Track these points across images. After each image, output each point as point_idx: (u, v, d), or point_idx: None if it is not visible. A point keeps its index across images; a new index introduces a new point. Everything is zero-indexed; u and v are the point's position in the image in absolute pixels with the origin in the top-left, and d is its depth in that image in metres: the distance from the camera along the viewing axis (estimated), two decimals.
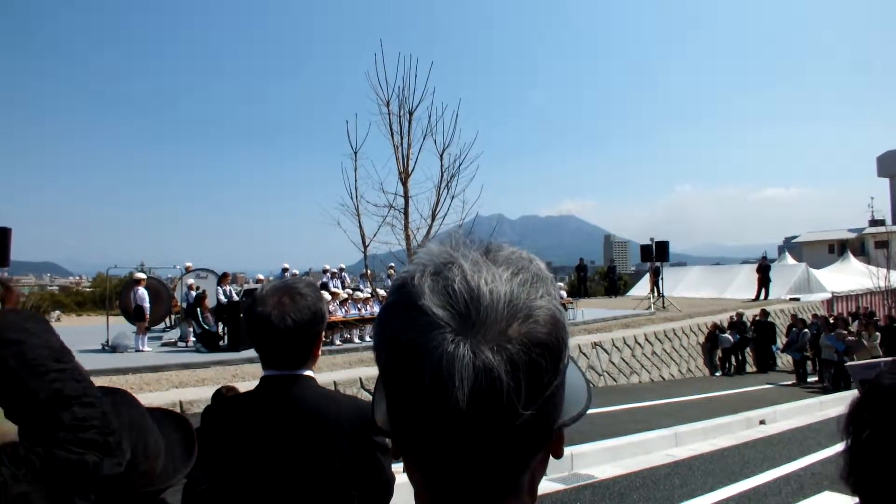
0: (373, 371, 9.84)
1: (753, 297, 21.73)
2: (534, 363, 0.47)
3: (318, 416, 1.38)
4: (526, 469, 0.52)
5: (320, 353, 1.53)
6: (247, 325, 1.44)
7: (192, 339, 12.06)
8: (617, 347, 13.26)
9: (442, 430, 0.47)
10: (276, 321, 1.37)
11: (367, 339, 12.56)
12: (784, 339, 16.65)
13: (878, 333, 13.57)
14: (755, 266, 22.64)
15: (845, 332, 14.04)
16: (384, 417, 0.55)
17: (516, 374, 0.46)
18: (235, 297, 12.90)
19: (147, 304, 11.65)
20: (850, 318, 17.75)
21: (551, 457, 0.56)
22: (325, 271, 15.82)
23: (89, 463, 0.80)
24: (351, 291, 13.79)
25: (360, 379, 8.99)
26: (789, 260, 30.64)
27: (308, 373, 1.46)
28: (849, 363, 9.44)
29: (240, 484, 1.40)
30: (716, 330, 15.89)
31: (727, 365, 15.95)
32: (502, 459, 0.49)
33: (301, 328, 1.39)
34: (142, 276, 12.82)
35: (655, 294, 20.56)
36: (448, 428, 0.47)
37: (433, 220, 9.75)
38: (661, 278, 20.84)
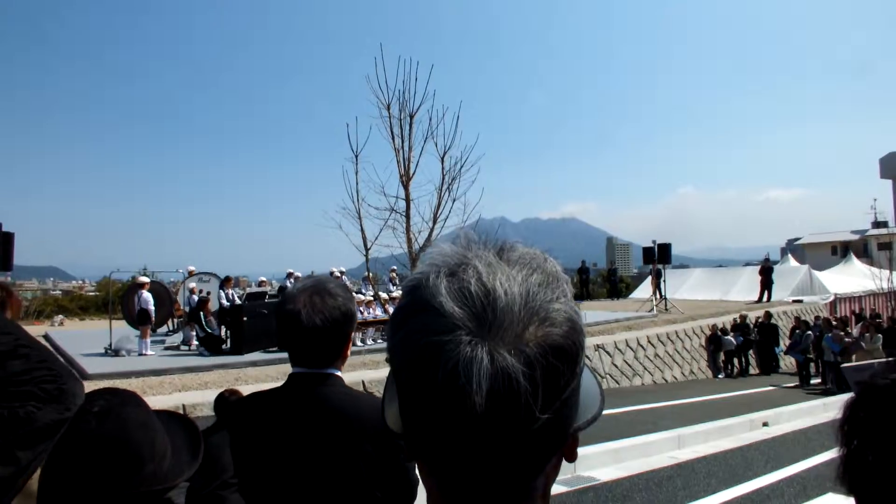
0: (375, 374, 9.86)
1: (756, 299, 21.67)
2: (551, 367, 0.47)
3: (342, 416, 1.38)
4: (541, 473, 0.51)
5: (349, 353, 1.53)
6: (277, 322, 1.45)
7: (195, 342, 12.07)
8: (620, 350, 13.24)
9: (458, 433, 0.46)
10: (305, 319, 1.37)
11: (370, 342, 12.57)
12: (787, 341, 16.61)
13: (879, 335, 13.53)
14: (758, 268, 22.58)
15: (842, 333, 14.00)
16: (396, 420, 0.55)
17: (534, 377, 0.46)
18: (238, 301, 12.92)
19: (152, 308, 11.67)
20: (853, 320, 17.70)
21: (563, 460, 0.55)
22: (331, 273, 15.87)
23: (20, 415, 0.80)
24: (354, 294, 13.81)
25: (363, 382, 8.99)
26: (792, 262, 30.57)
27: (336, 372, 1.46)
28: (844, 365, 9.44)
29: (265, 480, 1.41)
30: (716, 332, 15.87)
31: (730, 367, 15.92)
32: (517, 463, 0.49)
33: (329, 327, 1.39)
34: (145, 279, 12.85)
35: (658, 296, 20.53)
36: (464, 431, 0.46)
37: (434, 222, 9.78)
38: (664, 280, 20.81)
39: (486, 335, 0.46)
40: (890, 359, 0.73)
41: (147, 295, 11.73)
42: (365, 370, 9.83)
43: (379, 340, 12.56)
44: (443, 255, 0.52)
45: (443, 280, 0.49)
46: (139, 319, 11.64)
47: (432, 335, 0.47)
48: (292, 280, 16.48)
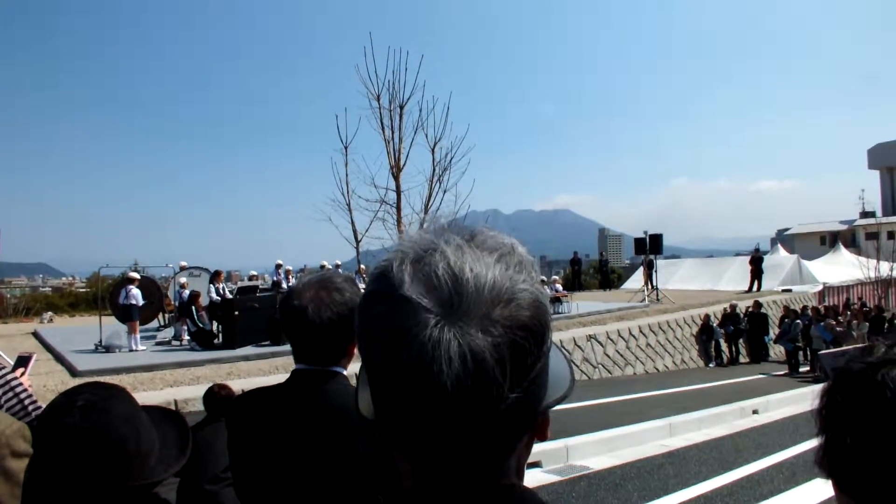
0: None
1: (746, 288, 21.88)
2: (517, 346, 0.47)
3: (343, 415, 1.32)
4: (512, 452, 0.52)
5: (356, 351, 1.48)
6: (281, 318, 1.40)
7: (186, 337, 12.01)
8: (612, 340, 13.33)
9: (428, 414, 0.47)
10: (312, 315, 1.33)
11: None
12: (776, 330, 16.80)
13: (866, 323, 13.73)
14: (748, 258, 22.78)
15: (834, 322, 14.19)
16: (368, 406, 0.55)
17: (501, 357, 0.46)
18: (229, 295, 12.85)
19: (138, 303, 11.59)
20: (843, 309, 17.90)
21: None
22: (321, 267, 15.81)
23: None
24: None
25: (355, 375, 9.00)
26: (781, 252, 30.83)
27: (341, 371, 1.41)
28: (821, 352, 9.55)
29: (262, 478, 1.38)
30: (708, 321, 16.02)
31: (721, 356, 16.09)
32: (489, 443, 0.49)
33: (336, 324, 1.34)
34: (135, 275, 12.75)
35: (649, 287, 20.65)
36: (434, 412, 0.46)
37: (426, 213, 9.75)
38: (655, 271, 20.92)
39: (452, 317, 0.46)
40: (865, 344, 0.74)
41: (135, 290, 11.63)
42: (358, 361, 9.84)
43: None
44: (411, 241, 0.52)
45: (409, 265, 0.49)
46: (125, 315, 11.55)
47: (399, 319, 0.47)
48: (282, 272, 16.41)
